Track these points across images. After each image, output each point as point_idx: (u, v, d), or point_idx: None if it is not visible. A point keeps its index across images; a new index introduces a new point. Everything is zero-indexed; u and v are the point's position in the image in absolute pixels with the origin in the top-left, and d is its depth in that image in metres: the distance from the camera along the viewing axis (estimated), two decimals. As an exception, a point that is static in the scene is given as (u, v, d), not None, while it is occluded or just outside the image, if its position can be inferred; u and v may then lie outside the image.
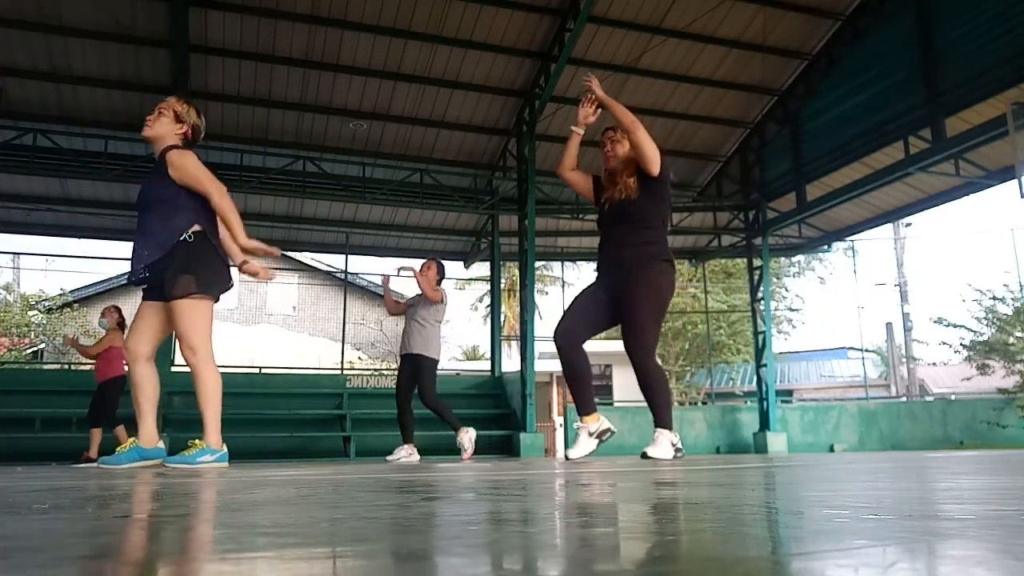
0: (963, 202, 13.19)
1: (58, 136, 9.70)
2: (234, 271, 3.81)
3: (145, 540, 0.77)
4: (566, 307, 3.95)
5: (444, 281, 6.42)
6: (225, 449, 3.61)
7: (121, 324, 7.95)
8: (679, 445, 3.73)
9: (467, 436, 6.02)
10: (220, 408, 3.59)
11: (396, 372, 6.47)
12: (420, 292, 6.23)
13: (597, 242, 4.07)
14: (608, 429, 3.84)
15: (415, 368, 6.09)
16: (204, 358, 3.55)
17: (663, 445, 3.65)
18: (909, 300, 23.60)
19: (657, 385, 3.70)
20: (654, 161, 3.73)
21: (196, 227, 3.52)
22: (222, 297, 3.73)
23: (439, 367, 6.31)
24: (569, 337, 3.80)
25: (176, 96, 3.87)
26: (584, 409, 3.82)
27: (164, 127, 3.68)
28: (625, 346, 3.71)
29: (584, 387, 3.82)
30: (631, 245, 3.77)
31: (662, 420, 3.70)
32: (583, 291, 3.96)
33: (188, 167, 3.54)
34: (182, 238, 3.49)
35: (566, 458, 3.81)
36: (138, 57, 9.22)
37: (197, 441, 3.57)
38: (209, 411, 3.55)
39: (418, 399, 6.05)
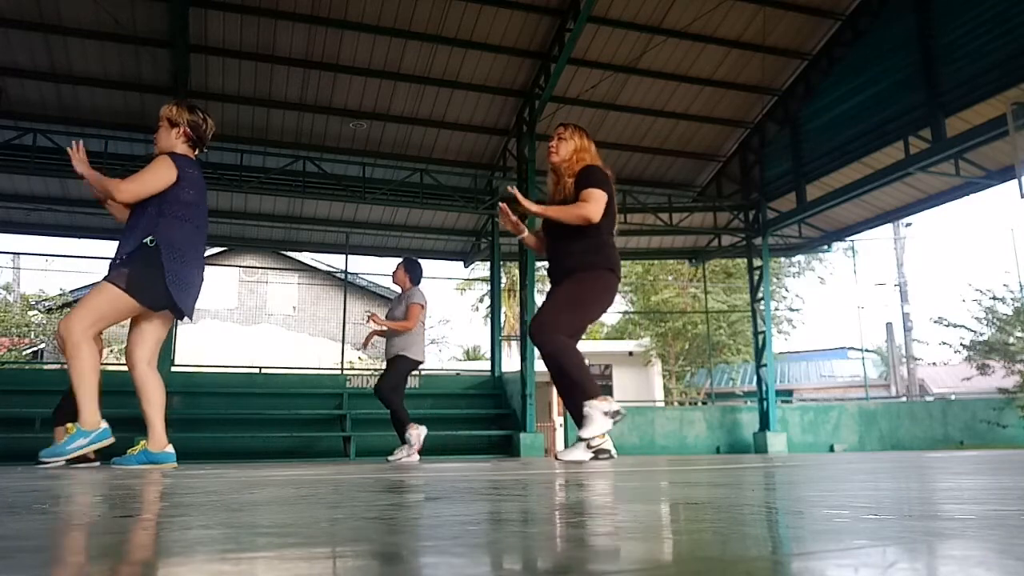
0: (963, 202, 13.21)
1: (58, 136, 9.70)
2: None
3: (145, 540, 0.77)
4: None
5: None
6: (104, 426, 3.45)
7: None
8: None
9: (416, 437, 5.84)
10: (94, 385, 3.43)
11: None
12: (399, 294, 6.26)
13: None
14: (608, 451, 3.78)
15: (386, 368, 6.07)
16: (75, 340, 3.38)
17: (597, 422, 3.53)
18: (909, 300, 23.63)
19: (561, 359, 3.60)
20: (594, 214, 3.68)
21: (151, 237, 3.48)
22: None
23: (423, 367, 6.26)
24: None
25: (167, 103, 3.83)
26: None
27: (163, 138, 3.68)
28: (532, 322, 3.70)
29: (578, 403, 3.76)
30: (572, 255, 3.74)
31: (589, 393, 3.60)
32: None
33: (150, 165, 3.54)
34: (144, 241, 3.48)
35: (555, 457, 3.79)
36: (138, 57, 9.22)
37: (70, 425, 3.45)
38: (81, 389, 3.40)
39: (411, 398, 6.04)
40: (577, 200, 3.73)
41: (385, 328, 6.13)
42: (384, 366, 6.25)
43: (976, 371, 14.32)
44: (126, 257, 3.50)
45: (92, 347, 3.47)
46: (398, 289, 6.39)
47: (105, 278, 3.50)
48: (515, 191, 3.74)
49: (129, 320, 3.69)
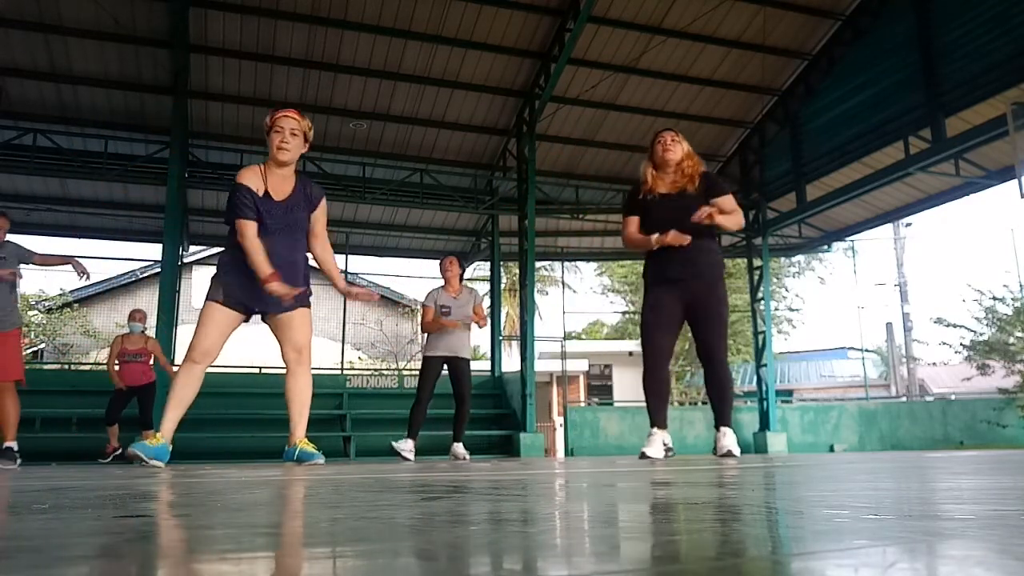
0: (963, 202, 13.21)
1: (58, 136, 9.70)
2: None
3: (145, 540, 0.77)
4: (651, 322, 4.20)
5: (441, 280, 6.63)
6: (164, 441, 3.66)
7: None
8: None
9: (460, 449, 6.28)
10: (183, 409, 3.72)
11: (421, 371, 6.33)
12: (443, 286, 6.29)
13: (621, 237, 4.38)
14: (671, 448, 4.24)
15: (461, 370, 6.15)
16: (188, 356, 3.81)
17: (732, 438, 4.07)
18: (909, 300, 23.61)
19: (730, 384, 4.15)
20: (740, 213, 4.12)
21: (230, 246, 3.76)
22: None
23: (418, 366, 6.50)
24: (663, 356, 4.19)
25: (306, 118, 3.90)
26: (661, 423, 4.14)
27: (297, 151, 3.88)
28: (712, 349, 4.07)
29: (664, 402, 4.19)
30: (705, 254, 4.07)
31: (729, 418, 4.13)
32: (662, 304, 4.16)
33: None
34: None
35: (642, 455, 4.00)
36: (138, 57, 9.22)
37: (151, 433, 3.62)
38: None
39: (411, 396, 6.19)
40: (709, 201, 4.03)
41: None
42: (434, 362, 6.30)
43: (976, 371, 14.32)
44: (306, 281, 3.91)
45: (187, 373, 3.87)
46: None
47: (302, 303, 3.94)
48: (712, 211, 3.94)
49: (209, 318, 3.90)
